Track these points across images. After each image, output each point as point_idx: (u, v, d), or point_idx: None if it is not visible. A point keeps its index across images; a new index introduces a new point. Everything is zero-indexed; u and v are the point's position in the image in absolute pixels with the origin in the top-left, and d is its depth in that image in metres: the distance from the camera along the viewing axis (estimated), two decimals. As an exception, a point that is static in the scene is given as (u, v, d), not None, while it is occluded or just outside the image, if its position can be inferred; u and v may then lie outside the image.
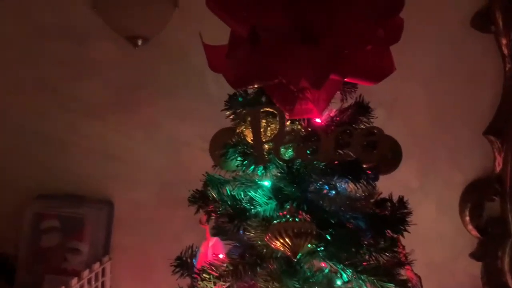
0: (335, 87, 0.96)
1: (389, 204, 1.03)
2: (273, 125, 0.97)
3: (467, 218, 1.76)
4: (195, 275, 1.01)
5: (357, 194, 1.00)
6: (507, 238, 1.72)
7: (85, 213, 1.79)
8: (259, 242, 0.95)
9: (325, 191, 0.98)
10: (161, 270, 1.95)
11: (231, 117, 1.08)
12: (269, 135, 0.97)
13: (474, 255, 1.77)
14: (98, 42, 1.84)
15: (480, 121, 1.75)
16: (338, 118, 1.00)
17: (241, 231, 0.98)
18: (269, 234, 0.89)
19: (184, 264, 1.22)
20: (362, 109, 1.03)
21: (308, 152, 0.94)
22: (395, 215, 0.99)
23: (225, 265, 1.00)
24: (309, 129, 0.96)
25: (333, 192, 0.98)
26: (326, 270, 0.95)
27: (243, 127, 1.02)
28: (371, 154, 0.94)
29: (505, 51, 1.67)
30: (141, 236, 1.94)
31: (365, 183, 0.95)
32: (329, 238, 0.91)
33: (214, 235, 1.11)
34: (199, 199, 1.04)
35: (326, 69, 0.88)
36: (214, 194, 1.01)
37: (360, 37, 0.87)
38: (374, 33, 0.86)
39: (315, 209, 0.96)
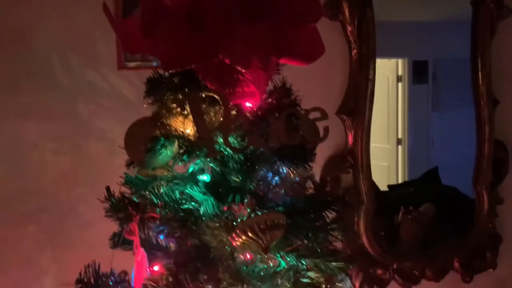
0: (272, 68, 0.91)
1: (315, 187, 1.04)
2: (211, 113, 0.87)
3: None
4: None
5: (296, 178, 0.98)
6: (361, 204, 1.94)
7: None
8: (213, 244, 0.84)
9: (269, 179, 0.93)
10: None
11: (153, 105, 0.92)
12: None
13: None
14: None
15: (332, 102, 1.91)
16: (269, 102, 0.96)
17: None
18: (238, 231, 0.81)
19: (89, 286, 1.01)
20: (286, 91, 1.01)
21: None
22: (330, 195, 1.01)
23: (164, 277, 0.87)
24: (258, 114, 0.89)
25: (277, 178, 0.94)
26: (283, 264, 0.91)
27: (171, 116, 0.89)
28: (313, 135, 0.93)
29: (351, 38, 1.85)
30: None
31: (307, 165, 0.94)
32: (295, 224, 0.87)
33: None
34: (124, 206, 0.87)
35: (273, 48, 0.84)
36: (153, 197, 0.86)
37: (304, 14, 0.85)
38: (318, 10, 0.85)
39: (259, 199, 0.91)
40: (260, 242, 0.80)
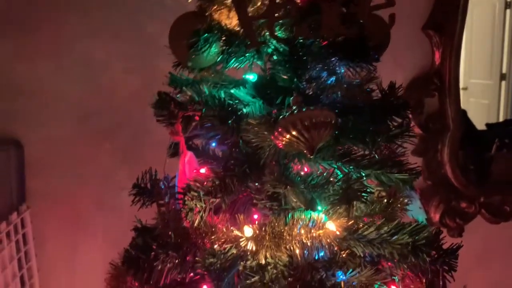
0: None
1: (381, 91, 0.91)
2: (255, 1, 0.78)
3: (409, 116, 1.75)
4: (179, 195, 0.83)
5: (356, 80, 0.87)
6: (446, 131, 1.77)
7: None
8: (258, 144, 0.78)
9: (323, 79, 0.83)
10: (92, 215, 1.72)
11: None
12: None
13: (416, 152, 1.80)
14: None
15: (418, 16, 1.71)
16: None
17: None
18: (280, 129, 0.74)
19: (144, 192, 1.02)
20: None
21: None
22: (395, 102, 0.88)
23: (210, 180, 0.83)
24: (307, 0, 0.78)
25: (333, 78, 0.84)
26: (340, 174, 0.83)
27: (214, 7, 0.81)
28: (375, 26, 0.80)
29: None
30: (62, 178, 1.66)
31: (369, 65, 0.82)
32: (349, 125, 0.77)
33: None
34: (169, 101, 0.83)
35: None
36: (192, 94, 0.81)
37: None
38: None
39: (308, 97, 0.81)
40: (304, 140, 0.73)
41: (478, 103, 2.52)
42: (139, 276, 0.83)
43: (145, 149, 1.70)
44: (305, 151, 0.74)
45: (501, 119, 2.40)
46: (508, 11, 2.35)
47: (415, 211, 1.05)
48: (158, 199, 0.97)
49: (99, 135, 1.67)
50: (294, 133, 0.73)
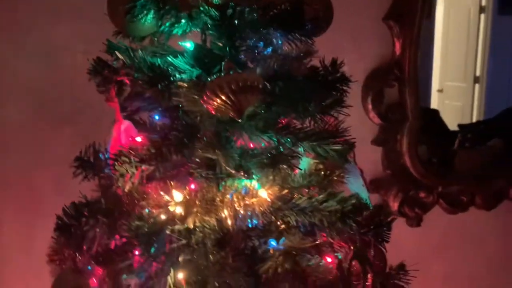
0: None
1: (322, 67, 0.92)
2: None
3: (369, 106, 1.78)
4: (110, 161, 0.83)
5: (293, 54, 0.88)
6: (405, 122, 1.79)
7: None
8: (190, 108, 0.78)
9: (260, 49, 0.84)
10: (51, 200, 1.69)
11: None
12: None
13: (376, 141, 1.83)
14: None
15: (380, 6, 1.73)
16: None
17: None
18: (208, 92, 0.74)
19: (86, 164, 1.02)
20: None
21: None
22: (333, 78, 0.89)
23: (146, 148, 0.83)
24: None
25: (269, 49, 0.84)
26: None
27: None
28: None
29: None
30: (19, 162, 1.63)
31: (306, 38, 0.83)
32: (277, 91, 0.78)
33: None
34: (102, 67, 0.83)
35: None
36: (124, 58, 0.81)
37: None
38: None
39: (240, 64, 0.82)
40: (231, 104, 0.73)
41: (453, 105, 2.56)
42: (71, 244, 0.83)
43: (107, 134, 1.69)
44: (232, 115, 0.74)
45: (474, 121, 2.45)
46: (482, 15, 2.40)
47: (358, 189, 1.06)
48: (99, 172, 0.96)
49: (59, 119, 1.65)
50: (222, 96, 0.73)
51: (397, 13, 1.71)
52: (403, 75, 1.75)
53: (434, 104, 2.38)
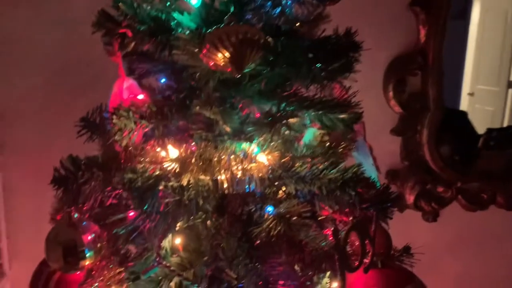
0: None
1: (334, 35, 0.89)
2: None
3: (391, 94, 1.73)
4: (108, 115, 0.82)
5: (303, 17, 0.85)
6: (426, 112, 1.73)
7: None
8: (190, 63, 0.76)
9: (268, 9, 0.81)
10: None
11: None
12: None
13: (395, 131, 1.77)
14: None
15: (406, -8, 1.67)
16: None
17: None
18: (208, 45, 0.72)
19: (92, 125, 1.01)
20: None
21: None
22: (344, 44, 0.86)
23: (147, 105, 0.82)
24: None
25: (278, 10, 0.81)
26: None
27: None
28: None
29: None
30: (35, 130, 1.65)
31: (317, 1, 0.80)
32: (279, 48, 0.75)
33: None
34: (106, 19, 0.82)
35: None
36: (125, 9, 0.79)
37: None
38: None
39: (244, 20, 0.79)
40: (231, 58, 0.71)
41: (483, 109, 2.48)
42: (67, 198, 0.82)
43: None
44: (232, 69, 0.72)
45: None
46: (520, 17, 2.31)
47: (368, 168, 1.02)
48: (103, 132, 0.95)
49: (76, 88, 1.66)
50: (222, 49, 0.71)
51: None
52: (426, 64, 1.69)
53: (464, 107, 2.31)
